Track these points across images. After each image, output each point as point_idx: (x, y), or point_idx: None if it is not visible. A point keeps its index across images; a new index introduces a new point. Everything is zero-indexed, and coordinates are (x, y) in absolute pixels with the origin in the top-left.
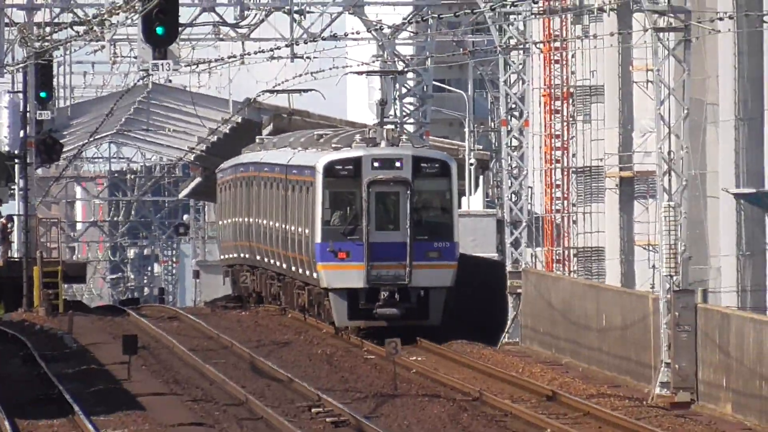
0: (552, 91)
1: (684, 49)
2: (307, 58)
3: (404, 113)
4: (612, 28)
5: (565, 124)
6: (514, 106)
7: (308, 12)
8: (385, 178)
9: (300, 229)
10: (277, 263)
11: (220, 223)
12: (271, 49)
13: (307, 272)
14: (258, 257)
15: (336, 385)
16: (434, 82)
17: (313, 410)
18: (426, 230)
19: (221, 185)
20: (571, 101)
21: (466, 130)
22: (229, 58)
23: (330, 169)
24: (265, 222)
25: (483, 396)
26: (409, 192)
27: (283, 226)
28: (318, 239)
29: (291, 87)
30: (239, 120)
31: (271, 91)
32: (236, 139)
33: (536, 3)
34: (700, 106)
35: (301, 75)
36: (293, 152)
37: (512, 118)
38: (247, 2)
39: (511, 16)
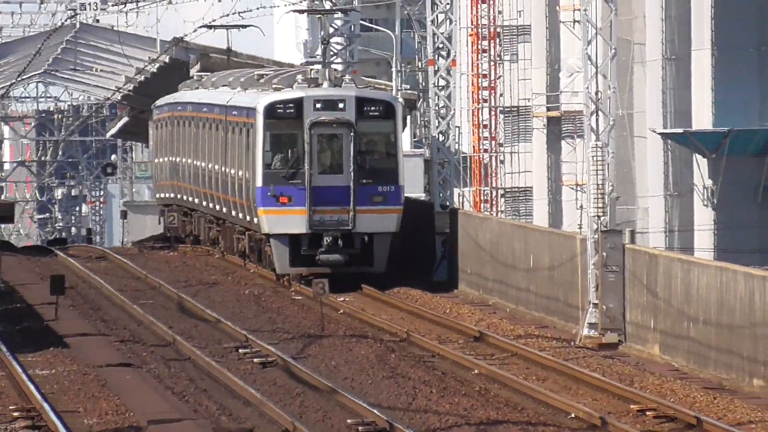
0: (479, 30)
1: None
2: None
3: (331, 53)
4: None
5: (492, 63)
6: (441, 45)
7: None
8: (328, 120)
9: (240, 173)
10: (216, 207)
11: (156, 161)
12: None
13: (248, 217)
14: (196, 200)
15: (263, 325)
16: (361, 22)
17: (240, 351)
18: (370, 174)
19: (157, 122)
20: (498, 41)
21: (394, 69)
22: None
23: (271, 110)
24: (203, 164)
25: (410, 336)
26: (352, 134)
27: (223, 168)
28: (259, 183)
29: (221, 28)
30: (167, 59)
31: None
32: (164, 79)
33: None
34: (628, 45)
35: (228, 15)
36: (233, 92)
37: (439, 58)
38: None
39: None
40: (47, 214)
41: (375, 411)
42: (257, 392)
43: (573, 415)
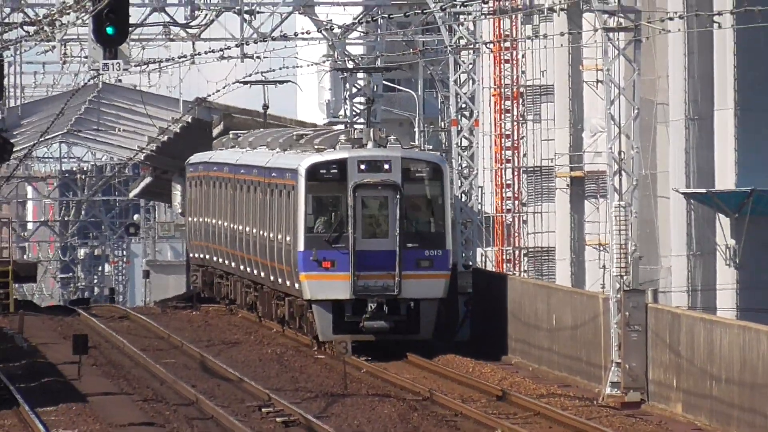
0: (502, 90)
1: (634, 49)
2: (258, 57)
3: (354, 113)
4: (562, 28)
5: (515, 123)
6: (464, 105)
7: (258, 12)
8: (373, 182)
9: (280, 237)
10: (254, 271)
11: (189, 219)
12: (222, 49)
13: (288, 282)
14: (233, 264)
15: (286, 384)
16: (384, 82)
17: (263, 410)
18: (416, 238)
19: (191, 179)
20: (521, 101)
21: (416, 130)
22: (179, 57)
23: (313, 172)
24: (241, 227)
25: (433, 396)
26: (398, 197)
27: (262, 232)
28: (301, 247)
29: (240, 86)
30: (189, 119)
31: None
32: (187, 139)
33: (486, 3)
34: (650, 105)
35: (251, 75)
36: (272, 153)
37: (462, 118)
38: (197, 2)
39: (461, 16)
40: (70, 274)
41: None
42: None
43: None
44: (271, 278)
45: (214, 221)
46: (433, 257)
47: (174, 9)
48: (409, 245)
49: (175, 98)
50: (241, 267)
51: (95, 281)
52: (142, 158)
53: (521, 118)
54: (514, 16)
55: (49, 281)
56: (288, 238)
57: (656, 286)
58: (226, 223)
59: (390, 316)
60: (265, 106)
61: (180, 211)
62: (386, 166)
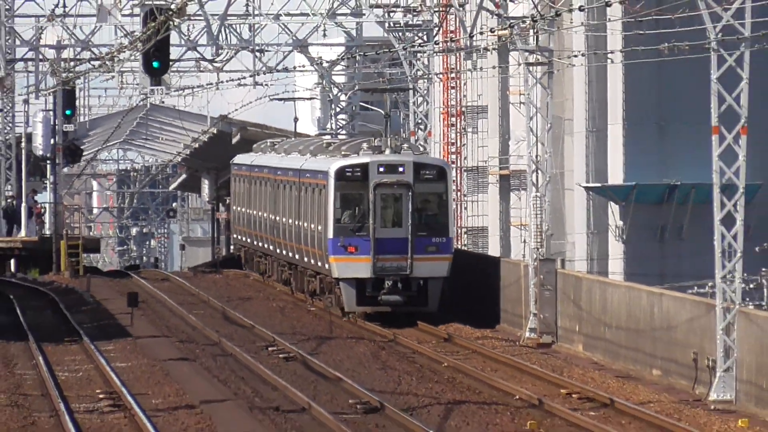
0: (449, 109)
1: (547, 79)
2: (266, 84)
3: (338, 126)
4: (494, 63)
5: (458, 134)
6: (420, 121)
7: (266, 50)
8: (390, 182)
9: (313, 226)
10: (289, 254)
11: (235, 208)
12: (239, 78)
13: (319, 263)
14: (270, 247)
15: (287, 330)
16: (360, 103)
17: (269, 349)
18: (425, 227)
19: (236, 176)
20: (463, 117)
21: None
22: (207, 85)
23: (341, 174)
24: (278, 218)
25: (397, 338)
26: (410, 194)
27: (296, 222)
28: (330, 235)
29: (254, 106)
30: (214, 131)
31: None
32: (212, 146)
33: (437, 44)
34: (560, 121)
35: (260, 98)
36: (304, 158)
37: (419, 130)
38: (220, 43)
39: (419, 54)
40: (125, 247)
41: (370, 394)
42: (282, 379)
43: (518, 397)
44: (305, 259)
45: (255, 212)
46: (438, 243)
47: (203, 48)
48: (419, 234)
49: (203, 115)
50: (278, 250)
51: (144, 252)
52: (179, 160)
53: (463, 131)
54: (457, 54)
55: (109, 252)
56: (320, 228)
57: (563, 256)
58: (265, 214)
59: (403, 292)
60: (296, 119)
61: (207, 199)
62: (401, 169)
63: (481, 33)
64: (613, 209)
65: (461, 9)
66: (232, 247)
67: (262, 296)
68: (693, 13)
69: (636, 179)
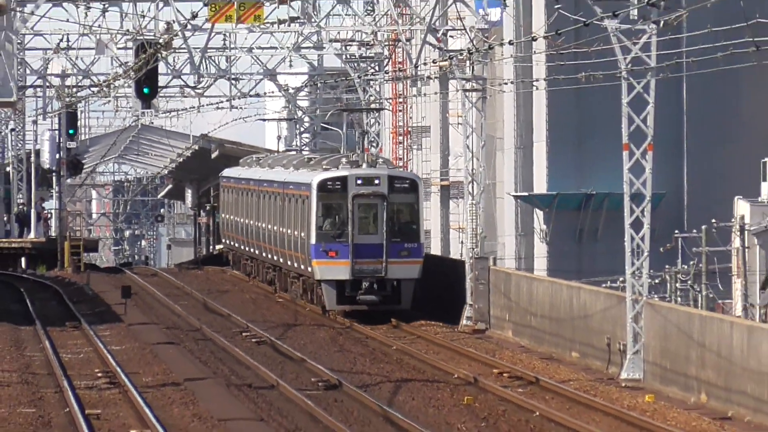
0: (397, 129)
1: (482, 103)
2: (240, 108)
3: (302, 143)
4: (436, 89)
5: (405, 150)
6: (373, 139)
7: (241, 78)
8: (367, 193)
9: (296, 233)
10: (274, 257)
11: (223, 215)
12: (217, 102)
13: (302, 266)
14: (256, 251)
15: (258, 318)
16: (321, 124)
17: (243, 334)
18: (398, 234)
19: (225, 188)
20: (409, 136)
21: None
22: (190, 108)
23: (323, 186)
24: (264, 225)
25: (352, 326)
26: (385, 204)
27: (281, 229)
28: (313, 241)
29: (230, 126)
30: (196, 147)
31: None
32: (194, 160)
33: (387, 73)
34: (492, 139)
35: (236, 120)
36: (287, 171)
37: (372, 147)
38: (201, 72)
39: (371, 81)
40: (119, 247)
41: (329, 373)
42: (254, 360)
43: (456, 376)
44: (288, 263)
45: (242, 220)
46: (410, 248)
47: (187, 76)
48: (393, 239)
49: (187, 134)
50: (263, 254)
51: (136, 251)
52: (166, 173)
53: (409, 147)
54: (404, 81)
55: (106, 251)
56: (303, 234)
57: (495, 255)
58: (251, 222)
59: (379, 292)
60: (279, 137)
61: (190, 206)
62: (377, 181)
63: (425, 64)
64: (538, 215)
65: (408, 43)
66: (212, 247)
67: (237, 289)
68: (606, 47)
69: (558, 189)
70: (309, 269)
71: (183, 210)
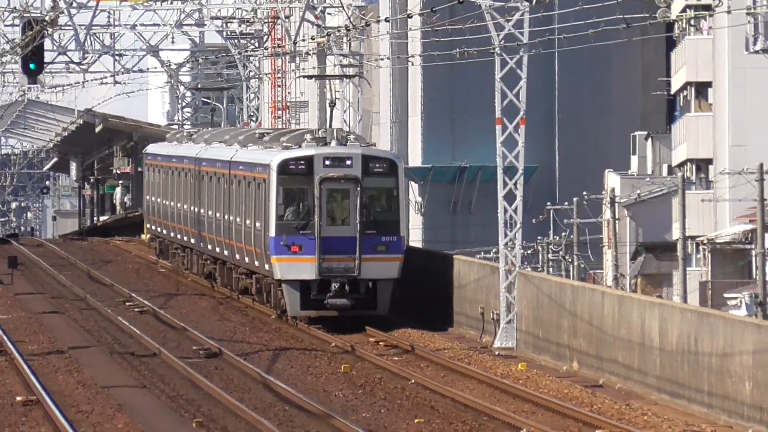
0: (276, 104)
1: (358, 79)
2: (124, 83)
3: (185, 117)
4: (314, 65)
5: (284, 125)
6: (252, 114)
7: (124, 55)
8: (336, 176)
9: (248, 222)
10: (216, 249)
11: (147, 197)
12: (101, 78)
13: (257, 263)
14: (192, 240)
15: (140, 287)
16: (203, 99)
17: (126, 303)
18: (374, 225)
19: (149, 166)
20: (288, 111)
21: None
22: (75, 83)
23: (284, 167)
24: (202, 211)
25: (232, 296)
26: (358, 189)
27: (226, 216)
28: (272, 233)
29: (114, 101)
30: (81, 122)
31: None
32: (79, 134)
33: (267, 49)
34: (369, 114)
35: (119, 95)
36: (233, 149)
37: (252, 121)
38: (86, 48)
39: (251, 57)
40: (6, 218)
41: (210, 341)
42: (137, 329)
43: (334, 344)
44: (237, 256)
45: (172, 203)
46: (388, 242)
47: (72, 52)
48: (368, 232)
49: (72, 109)
50: (201, 244)
51: (22, 223)
52: (52, 146)
53: (288, 122)
54: (283, 57)
55: None
56: (258, 224)
57: None
58: (186, 206)
59: (351, 295)
60: (213, 109)
61: (74, 178)
62: (348, 162)
63: (303, 40)
64: (414, 187)
65: (287, 20)
66: (96, 218)
67: (120, 260)
68: (480, 24)
69: (432, 162)
70: (266, 266)
71: (68, 182)
